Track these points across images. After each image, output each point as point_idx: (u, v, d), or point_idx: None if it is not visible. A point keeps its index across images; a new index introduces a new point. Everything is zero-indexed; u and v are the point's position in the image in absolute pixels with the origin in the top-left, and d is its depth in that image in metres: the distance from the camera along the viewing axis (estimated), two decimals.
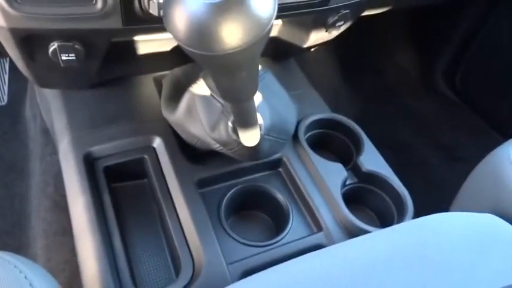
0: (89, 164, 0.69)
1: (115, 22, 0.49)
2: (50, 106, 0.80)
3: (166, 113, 0.70)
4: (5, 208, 0.98)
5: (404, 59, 1.43)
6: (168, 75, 0.77)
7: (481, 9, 1.25)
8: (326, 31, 0.75)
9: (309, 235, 0.67)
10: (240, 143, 0.51)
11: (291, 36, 0.81)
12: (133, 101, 0.80)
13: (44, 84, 0.73)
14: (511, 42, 1.26)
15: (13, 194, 0.99)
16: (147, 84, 0.83)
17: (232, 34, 0.30)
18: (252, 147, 0.53)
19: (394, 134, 1.31)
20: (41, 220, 0.87)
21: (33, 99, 1.01)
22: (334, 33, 0.78)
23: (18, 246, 0.89)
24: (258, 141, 0.50)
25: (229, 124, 0.51)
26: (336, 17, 0.70)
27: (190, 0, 0.30)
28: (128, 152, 0.72)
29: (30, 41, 0.53)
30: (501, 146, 0.72)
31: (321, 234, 0.67)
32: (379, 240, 0.56)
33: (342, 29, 0.78)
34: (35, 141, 1.00)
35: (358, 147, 0.79)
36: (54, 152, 0.87)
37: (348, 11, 0.70)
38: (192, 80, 0.68)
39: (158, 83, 0.83)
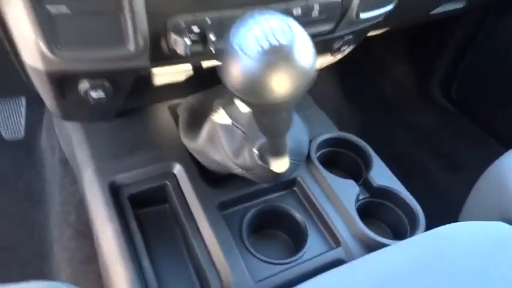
0: (114, 192, 0.72)
1: (143, 61, 0.53)
2: (71, 138, 0.83)
3: (186, 141, 0.74)
4: (23, 238, 1.00)
5: (401, 72, 1.49)
6: (182, 104, 0.81)
7: (473, 22, 1.31)
8: (331, 55, 0.80)
9: (328, 250, 0.70)
10: (265, 168, 0.55)
11: None
12: (151, 130, 0.83)
13: (69, 118, 0.76)
14: (504, 52, 1.31)
15: (31, 224, 1.01)
16: (162, 112, 0.86)
17: (282, 87, 0.34)
18: (271, 171, 0.56)
19: (396, 145, 1.36)
20: (64, 249, 0.89)
21: (51, 131, 1.04)
22: (339, 56, 0.83)
23: (41, 275, 0.91)
24: (287, 167, 0.53)
25: (255, 151, 0.55)
26: (341, 43, 0.75)
27: (245, 58, 0.34)
28: (150, 179, 0.75)
29: (62, 81, 0.57)
30: (502, 156, 0.76)
31: (339, 249, 0.70)
32: (399, 253, 0.59)
33: (346, 52, 0.83)
34: (52, 172, 1.03)
35: (367, 163, 0.82)
36: (74, 181, 0.90)
37: (351, 36, 0.75)
38: (207, 108, 0.72)
39: (173, 111, 0.86)
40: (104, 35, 0.48)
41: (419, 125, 1.46)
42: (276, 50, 0.35)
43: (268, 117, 0.43)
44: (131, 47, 0.50)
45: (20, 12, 0.44)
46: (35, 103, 0.70)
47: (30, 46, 0.48)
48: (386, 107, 1.44)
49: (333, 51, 0.78)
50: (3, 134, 1.00)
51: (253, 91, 0.35)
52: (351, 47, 0.81)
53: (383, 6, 0.68)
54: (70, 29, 0.46)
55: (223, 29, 0.52)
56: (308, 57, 0.37)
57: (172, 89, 0.86)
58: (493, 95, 1.38)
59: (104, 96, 0.60)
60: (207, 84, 0.79)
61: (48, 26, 0.45)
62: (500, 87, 1.32)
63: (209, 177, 0.75)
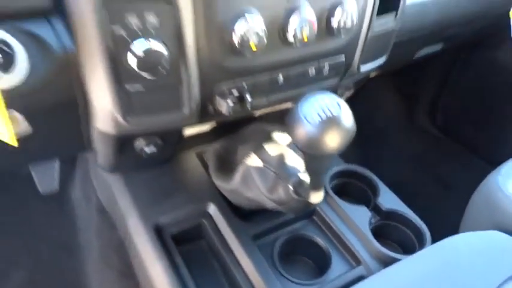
0: (158, 233, 0.82)
1: (193, 120, 0.65)
2: (111, 188, 0.93)
3: (218, 182, 0.84)
4: (60, 285, 1.07)
5: (392, 106, 1.65)
6: (209, 151, 0.93)
7: (449, 59, 1.49)
8: None
9: (350, 269, 0.81)
10: (299, 200, 0.66)
11: None
12: (183, 175, 0.94)
13: (116, 170, 0.87)
14: (477, 82, 1.48)
15: (68, 272, 1.08)
16: (190, 159, 0.98)
17: (333, 144, 0.48)
18: (304, 203, 0.67)
19: (394, 171, 1.48)
20: None
21: (86, 182, 1.14)
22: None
23: None
24: (322, 198, 0.65)
25: (290, 187, 0.66)
26: (343, 89, 0.89)
27: (309, 126, 0.47)
28: (188, 219, 0.85)
29: (123, 141, 0.68)
30: (492, 173, 0.89)
31: (360, 267, 0.80)
32: (411, 266, 0.70)
33: (346, 95, 0.96)
34: (86, 220, 1.12)
35: (374, 190, 0.94)
36: (113, 227, 0.99)
37: (352, 84, 0.88)
38: (232, 153, 0.84)
39: (199, 157, 0.98)
40: (166, 103, 0.60)
41: (413, 152, 1.60)
42: (329, 120, 0.50)
43: (318, 162, 0.55)
44: (186, 110, 0.62)
45: (103, 89, 0.56)
46: (67, 158, 0.80)
47: (106, 115, 0.59)
48: (382, 138, 1.58)
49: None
50: (40, 189, 1.09)
51: (314, 147, 0.48)
52: (352, 91, 0.95)
53: (378, 58, 0.82)
54: (141, 101, 0.58)
55: (257, 90, 0.65)
56: (350, 123, 0.52)
57: (199, 138, 0.98)
58: (473, 120, 1.53)
59: (156, 150, 0.71)
60: (226, 132, 0.91)
61: (124, 100, 0.57)
62: (479, 113, 1.48)
63: (240, 213, 0.86)
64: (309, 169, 0.60)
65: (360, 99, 1.54)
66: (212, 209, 0.86)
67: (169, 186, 0.91)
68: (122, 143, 0.69)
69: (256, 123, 0.90)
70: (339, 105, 0.52)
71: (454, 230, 0.93)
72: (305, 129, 0.50)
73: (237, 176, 0.78)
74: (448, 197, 1.42)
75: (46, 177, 1.13)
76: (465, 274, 0.66)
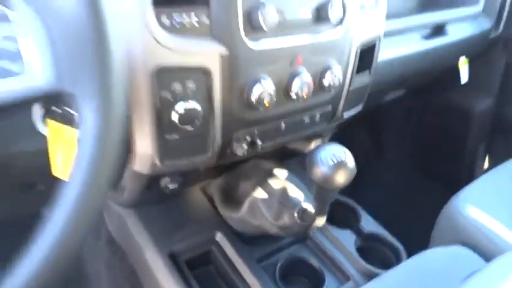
0: (173, 259, 0.93)
1: (213, 161, 0.79)
2: (125, 220, 1.03)
3: (225, 213, 0.97)
4: None
5: (363, 143, 1.86)
6: (213, 185, 1.06)
7: (410, 101, 1.72)
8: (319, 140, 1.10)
9: (341, 285, 0.94)
10: (302, 225, 0.80)
11: (295, 144, 1.15)
12: (190, 207, 1.06)
13: (136, 205, 0.98)
14: (436, 121, 1.71)
15: None
16: (195, 192, 1.10)
17: (342, 180, 0.64)
18: (305, 227, 0.82)
19: (371, 199, 1.66)
20: None
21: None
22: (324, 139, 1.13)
23: None
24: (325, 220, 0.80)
25: (295, 214, 0.80)
26: (328, 131, 1.05)
27: (323, 167, 0.62)
28: (199, 247, 0.97)
29: (152, 179, 0.80)
30: (452, 199, 1.07)
31: (350, 282, 0.94)
32: (391, 279, 0.85)
33: (329, 136, 1.13)
34: (93, 253, 1.20)
35: (357, 216, 1.10)
36: (123, 257, 1.08)
37: (335, 127, 1.05)
38: (236, 187, 0.98)
39: (203, 190, 1.10)
40: (195, 148, 0.73)
41: (385, 181, 1.79)
42: (339, 163, 0.68)
43: (327, 193, 0.70)
44: (209, 154, 0.75)
45: (147, 139, 0.68)
46: None
47: (145, 159, 0.72)
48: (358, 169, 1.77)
49: (319, 137, 1.08)
50: None
51: (327, 183, 0.65)
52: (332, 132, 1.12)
53: (356, 106, 1.00)
54: (176, 147, 0.71)
55: (265, 135, 0.80)
56: (353, 166, 0.70)
57: (204, 174, 1.11)
58: (433, 151, 1.75)
59: (177, 187, 0.84)
60: (225, 169, 1.05)
61: (163, 148, 0.69)
62: (440, 147, 1.70)
63: (243, 238, 0.99)
64: (319, 199, 0.75)
65: (339, 138, 1.74)
66: (219, 236, 0.98)
67: (179, 218, 1.02)
68: (151, 181, 0.81)
69: (253, 160, 1.04)
70: (344, 152, 0.71)
71: (424, 244, 1.10)
72: (321, 169, 0.68)
73: (245, 207, 0.91)
74: (417, 218, 1.60)
75: None
76: (434, 283, 0.81)
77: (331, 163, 0.69)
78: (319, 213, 0.79)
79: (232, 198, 0.98)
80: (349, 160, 0.71)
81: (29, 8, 0.36)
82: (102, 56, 0.38)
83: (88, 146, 0.39)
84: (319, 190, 0.74)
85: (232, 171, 1.05)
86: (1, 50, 0.35)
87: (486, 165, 1.80)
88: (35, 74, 0.37)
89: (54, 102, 0.57)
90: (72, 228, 0.40)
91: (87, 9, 0.36)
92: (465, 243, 0.94)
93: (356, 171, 0.70)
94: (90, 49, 0.38)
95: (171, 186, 0.83)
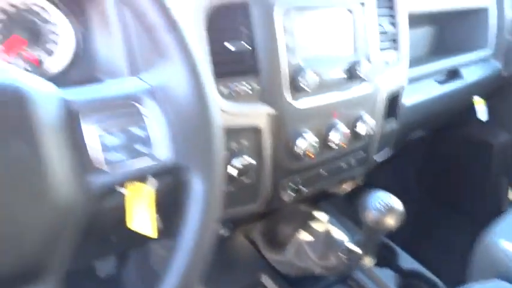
0: None
1: (261, 208, 0.86)
2: None
3: (271, 256, 1.04)
4: None
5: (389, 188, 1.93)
6: (255, 230, 1.13)
7: (429, 142, 1.79)
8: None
9: None
10: (348, 264, 0.86)
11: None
12: (236, 251, 1.13)
13: None
14: (457, 155, 1.77)
15: None
16: (238, 237, 1.17)
17: (393, 223, 0.72)
18: (349, 266, 0.87)
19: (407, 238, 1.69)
20: None
21: (141, 263, 1.29)
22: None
23: None
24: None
25: (340, 254, 0.86)
26: (359, 175, 1.12)
27: (374, 211, 0.70)
28: None
29: None
30: (486, 233, 1.11)
31: None
32: None
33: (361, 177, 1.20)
34: None
35: (393, 254, 1.14)
36: None
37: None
38: (278, 232, 1.05)
39: (246, 236, 1.17)
40: (247, 198, 0.81)
41: (413, 219, 1.82)
42: (389, 208, 0.75)
43: (377, 235, 0.77)
44: (259, 202, 0.83)
45: None
46: None
47: None
48: None
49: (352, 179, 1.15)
50: (99, 273, 1.24)
51: (378, 225, 0.71)
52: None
53: (386, 149, 1.08)
54: (231, 198, 0.79)
55: (308, 182, 0.88)
56: (401, 210, 0.78)
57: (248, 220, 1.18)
58: (459, 188, 1.79)
59: (229, 232, 0.91)
60: (265, 214, 1.12)
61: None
62: (463, 182, 1.74)
63: (287, 280, 1.04)
64: (370, 240, 0.81)
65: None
66: (265, 278, 1.04)
67: (226, 262, 1.09)
68: None
69: (292, 205, 1.12)
70: (391, 198, 0.78)
71: (460, 278, 1.13)
72: (373, 214, 0.76)
73: (291, 250, 0.97)
74: (449, 253, 1.62)
75: (105, 262, 1.28)
76: None
77: (382, 208, 0.76)
78: (367, 253, 0.85)
79: (276, 242, 1.04)
80: (398, 205, 0.78)
81: (152, 102, 0.46)
82: (212, 138, 0.50)
83: (199, 207, 0.48)
84: (369, 232, 0.81)
85: (272, 216, 1.12)
86: (137, 136, 0.46)
87: (511, 196, 1.83)
88: (159, 153, 0.47)
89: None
90: (193, 269, 0.50)
91: (200, 102, 0.47)
92: (503, 277, 0.98)
93: (404, 214, 0.77)
94: (204, 132, 0.49)
95: (224, 233, 0.90)
